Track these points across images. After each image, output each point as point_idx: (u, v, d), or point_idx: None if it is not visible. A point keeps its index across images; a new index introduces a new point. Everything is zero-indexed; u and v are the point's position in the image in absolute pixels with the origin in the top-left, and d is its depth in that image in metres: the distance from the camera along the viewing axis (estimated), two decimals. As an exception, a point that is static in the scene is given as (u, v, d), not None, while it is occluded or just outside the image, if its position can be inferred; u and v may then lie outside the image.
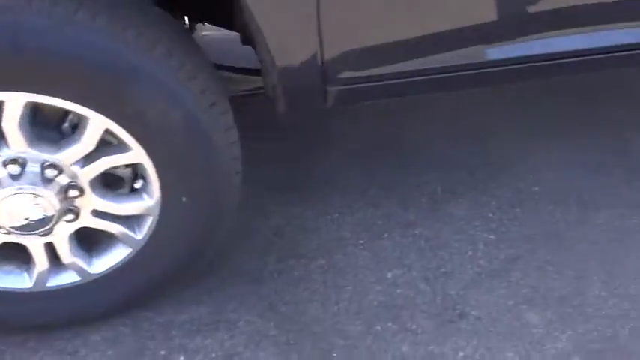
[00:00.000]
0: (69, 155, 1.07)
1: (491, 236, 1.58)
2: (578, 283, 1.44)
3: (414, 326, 1.33)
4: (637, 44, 1.34)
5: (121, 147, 1.08)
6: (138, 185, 1.13)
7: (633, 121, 1.99)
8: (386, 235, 1.59)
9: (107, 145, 1.09)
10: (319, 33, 1.04)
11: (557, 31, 1.17)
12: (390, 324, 1.34)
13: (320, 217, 1.64)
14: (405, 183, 1.75)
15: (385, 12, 1.07)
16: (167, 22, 1.11)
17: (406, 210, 1.66)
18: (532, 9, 1.12)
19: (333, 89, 1.13)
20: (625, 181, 1.75)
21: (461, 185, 1.75)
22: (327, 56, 1.07)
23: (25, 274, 1.20)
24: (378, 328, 1.33)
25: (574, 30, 1.18)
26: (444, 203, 1.68)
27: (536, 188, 1.74)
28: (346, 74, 1.12)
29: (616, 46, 1.27)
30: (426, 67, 1.12)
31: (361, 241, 1.57)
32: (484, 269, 1.48)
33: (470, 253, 1.53)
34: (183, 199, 1.13)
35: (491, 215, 1.65)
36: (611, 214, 1.63)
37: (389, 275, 1.47)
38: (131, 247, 1.21)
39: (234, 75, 1.48)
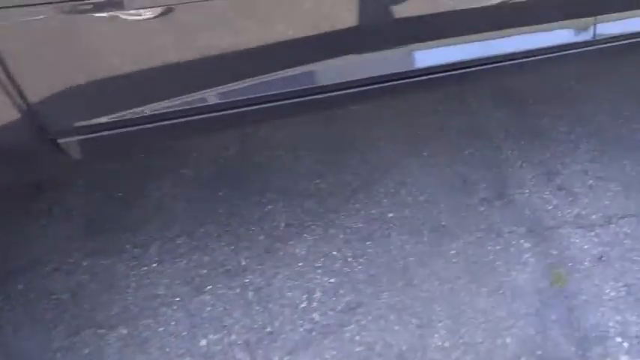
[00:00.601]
0: None
1: (332, 280, 1.38)
2: (421, 333, 1.26)
3: (218, 413, 1.12)
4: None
5: None
6: None
7: (504, 127, 1.83)
8: (209, 287, 1.35)
9: None
10: (4, 69, 0.75)
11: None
12: (191, 412, 1.12)
13: (132, 270, 1.37)
14: (244, 216, 1.51)
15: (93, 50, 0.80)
16: None
17: (238, 253, 1.43)
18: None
19: (68, 140, 0.86)
20: (485, 200, 1.59)
21: (308, 216, 1.53)
22: (33, 99, 0.79)
23: None
24: (175, 420, 1.11)
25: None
26: (285, 241, 1.46)
27: (391, 214, 1.55)
28: (79, 122, 0.85)
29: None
30: (171, 109, 0.88)
31: (177, 299, 1.32)
32: (316, 325, 1.27)
33: (304, 304, 1.32)
34: None
35: (335, 253, 1.44)
36: (466, 240, 1.47)
37: (203, 343, 1.23)
38: None
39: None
